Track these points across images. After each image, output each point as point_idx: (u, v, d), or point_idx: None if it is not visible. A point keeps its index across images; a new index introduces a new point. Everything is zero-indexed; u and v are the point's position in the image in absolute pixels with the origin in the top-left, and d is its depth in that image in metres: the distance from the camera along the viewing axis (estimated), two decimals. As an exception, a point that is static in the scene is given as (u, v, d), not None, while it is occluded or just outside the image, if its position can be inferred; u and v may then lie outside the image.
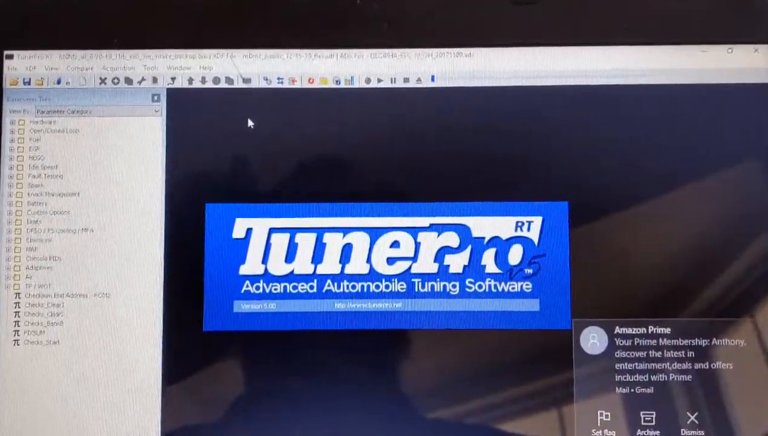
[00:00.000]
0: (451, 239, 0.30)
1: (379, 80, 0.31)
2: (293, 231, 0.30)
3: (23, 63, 0.31)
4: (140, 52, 0.31)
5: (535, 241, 0.30)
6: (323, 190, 0.31)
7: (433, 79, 0.31)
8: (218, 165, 0.31)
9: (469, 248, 0.30)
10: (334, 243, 0.30)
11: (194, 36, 0.31)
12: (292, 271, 0.30)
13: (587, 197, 0.30)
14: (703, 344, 0.30)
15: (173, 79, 0.31)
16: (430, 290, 0.30)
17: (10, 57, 0.31)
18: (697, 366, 0.30)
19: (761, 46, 0.31)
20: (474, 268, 0.30)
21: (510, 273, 0.30)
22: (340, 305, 0.30)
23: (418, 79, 0.31)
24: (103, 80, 0.31)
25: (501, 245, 0.30)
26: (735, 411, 0.30)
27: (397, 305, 0.30)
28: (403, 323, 0.30)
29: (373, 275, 0.30)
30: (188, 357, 0.30)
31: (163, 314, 0.30)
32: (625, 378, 0.30)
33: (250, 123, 0.31)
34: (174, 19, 0.31)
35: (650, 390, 0.30)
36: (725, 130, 0.31)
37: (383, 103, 0.31)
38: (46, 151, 0.31)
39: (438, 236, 0.30)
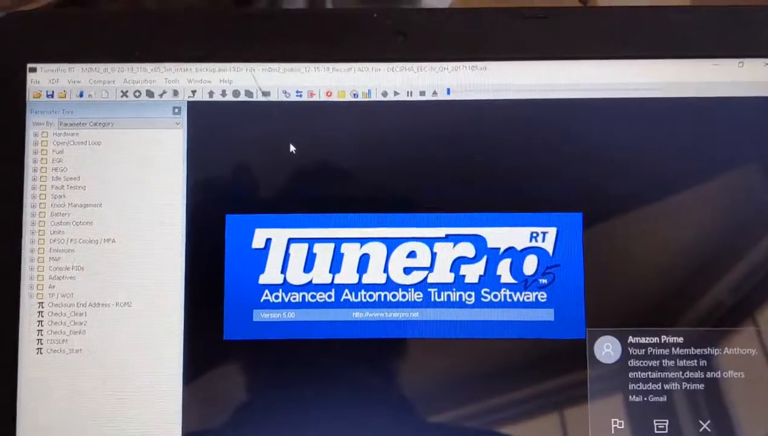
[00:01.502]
0: (467, 249, 0.31)
1: (396, 93, 0.32)
2: (311, 241, 0.31)
3: (46, 76, 0.32)
4: (161, 66, 0.32)
5: (550, 251, 0.31)
6: (341, 202, 0.31)
7: (448, 92, 0.31)
8: (238, 176, 0.31)
9: (485, 258, 0.31)
10: (351, 253, 0.31)
11: (214, 50, 0.32)
12: (311, 280, 0.31)
13: (601, 208, 0.31)
14: (716, 353, 0.30)
15: (194, 92, 0.32)
16: (446, 299, 0.31)
17: (34, 70, 0.32)
18: (710, 375, 0.30)
19: (772, 60, 0.31)
20: (489, 278, 0.31)
21: (525, 283, 0.31)
22: (357, 314, 0.31)
23: (434, 92, 0.32)
24: (125, 93, 0.32)
25: (516, 256, 0.31)
26: (747, 420, 0.30)
27: (414, 314, 0.31)
28: (420, 332, 0.31)
29: (390, 285, 0.31)
30: (208, 365, 0.30)
31: (183, 323, 0.30)
32: (639, 387, 0.30)
33: (269, 135, 0.31)
34: (194, 33, 0.32)
35: (663, 399, 0.30)
36: (737, 143, 0.31)
37: (400, 116, 0.31)
38: (69, 163, 0.31)
39: (454, 246, 0.31)
